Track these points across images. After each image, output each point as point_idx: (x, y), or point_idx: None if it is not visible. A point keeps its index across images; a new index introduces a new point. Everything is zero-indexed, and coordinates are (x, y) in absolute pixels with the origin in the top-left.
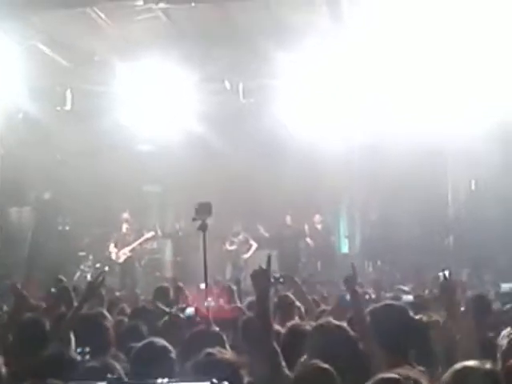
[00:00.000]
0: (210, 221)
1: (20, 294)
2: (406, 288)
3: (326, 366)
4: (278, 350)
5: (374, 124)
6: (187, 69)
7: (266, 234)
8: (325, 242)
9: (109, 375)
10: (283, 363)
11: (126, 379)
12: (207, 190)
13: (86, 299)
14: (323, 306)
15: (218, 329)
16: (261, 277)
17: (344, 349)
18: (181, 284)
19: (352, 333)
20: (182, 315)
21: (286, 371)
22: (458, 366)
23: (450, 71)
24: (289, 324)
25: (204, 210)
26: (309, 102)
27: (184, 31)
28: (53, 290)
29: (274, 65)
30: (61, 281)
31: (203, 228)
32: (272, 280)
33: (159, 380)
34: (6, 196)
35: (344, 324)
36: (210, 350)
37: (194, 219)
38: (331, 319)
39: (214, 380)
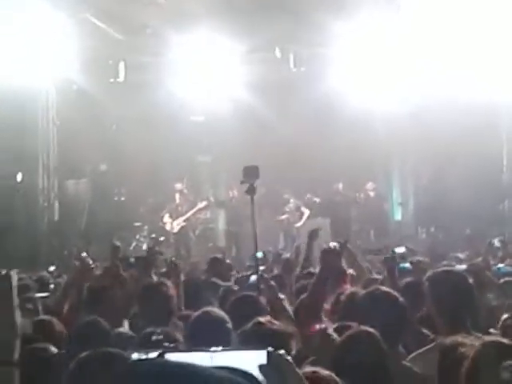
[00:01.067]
0: (258, 185)
1: (85, 263)
2: (460, 255)
3: (371, 330)
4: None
5: (426, 88)
6: (238, 39)
7: (317, 200)
8: (378, 210)
9: (166, 343)
10: (330, 330)
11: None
12: (258, 159)
13: (146, 269)
14: (375, 275)
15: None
16: (332, 257)
17: (393, 316)
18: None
19: (401, 300)
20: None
21: (335, 335)
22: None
23: (502, 30)
24: (340, 291)
25: (251, 173)
26: (361, 70)
27: (233, 0)
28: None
29: (326, 33)
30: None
31: (251, 192)
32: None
33: (213, 348)
34: (64, 168)
35: (393, 292)
36: (259, 319)
37: (241, 182)
38: (380, 286)
39: (270, 348)
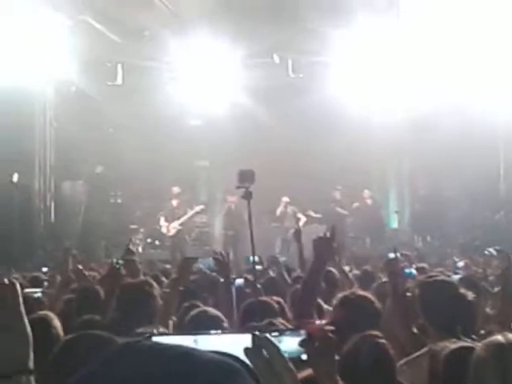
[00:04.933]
0: (255, 191)
1: (80, 274)
2: (459, 263)
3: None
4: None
5: (424, 96)
6: (236, 43)
7: (319, 216)
8: (374, 217)
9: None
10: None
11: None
12: (256, 164)
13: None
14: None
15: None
16: (324, 244)
17: (368, 322)
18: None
19: (378, 305)
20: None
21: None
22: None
23: (501, 42)
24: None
25: (247, 177)
26: (359, 77)
27: (233, 6)
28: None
29: (325, 40)
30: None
31: (247, 196)
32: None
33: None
34: (60, 170)
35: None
36: (271, 319)
37: (237, 187)
38: (357, 290)
39: (256, 332)
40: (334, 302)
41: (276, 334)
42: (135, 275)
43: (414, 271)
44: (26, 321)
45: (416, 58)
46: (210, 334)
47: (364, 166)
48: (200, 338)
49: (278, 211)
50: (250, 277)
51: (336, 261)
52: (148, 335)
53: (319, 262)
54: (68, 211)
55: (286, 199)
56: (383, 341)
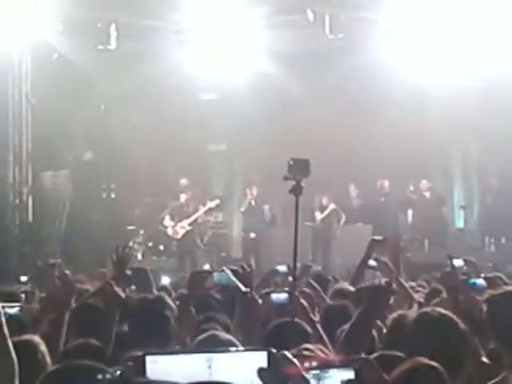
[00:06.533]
0: (284, 182)
1: (66, 282)
2: None
3: (434, 364)
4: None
5: (494, 63)
6: None
7: (358, 202)
8: (434, 215)
9: None
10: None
11: None
12: (282, 149)
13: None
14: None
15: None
16: (382, 297)
17: (451, 345)
18: (253, 265)
19: (462, 326)
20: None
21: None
22: None
23: None
24: (390, 316)
25: (300, 168)
26: (413, 38)
27: None
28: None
29: None
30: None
31: (296, 191)
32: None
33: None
34: (39, 157)
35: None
36: (307, 345)
37: (285, 178)
38: (437, 308)
39: (273, 350)
40: (390, 322)
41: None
42: (145, 288)
43: (482, 282)
44: (11, 345)
45: (487, 14)
46: (223, 351)
47: (421, 149)
48: (213, 356)
49: (317, 207)
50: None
51: (391, 270)
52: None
53: (371, 315)
54: (49, 208)
55: (320, 193)
56: (441, 369)
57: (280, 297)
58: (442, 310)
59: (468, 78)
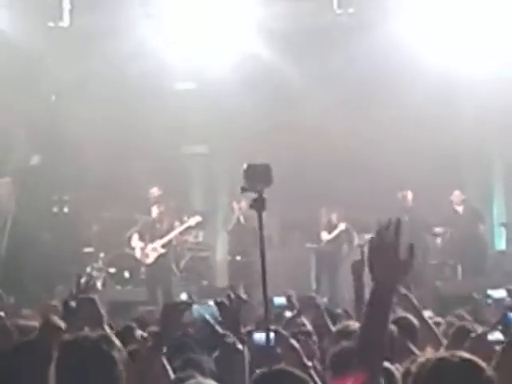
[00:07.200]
0: (278, 194)
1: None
2: None
3: None
4: None
5: None
6: None
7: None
8: (469, 233)
9: None
10: None
11: None
12: (279, 152)
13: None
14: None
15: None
16: (391, 271)
17: None
18: (243, 296)
19: (489, 373)
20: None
21: None
22: None
23: None
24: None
25: (259, 175)
26: (438, 14)
27: None
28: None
29: None
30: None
31: (258, 206)
32: None
33: None
34: None
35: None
36: None
37: (243, 190)
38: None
39: None
40: (414, 368)
41: None
42: (96, 324)
43: None
44: None
45: None
46: None
47: (451, 152)
48: None
49: (323, 225)
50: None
51: (411, 303)
52: None
53: (380, 305)
54: None
55: (325, 207)
56: None
57: (264, 337)
58: (465, 355)
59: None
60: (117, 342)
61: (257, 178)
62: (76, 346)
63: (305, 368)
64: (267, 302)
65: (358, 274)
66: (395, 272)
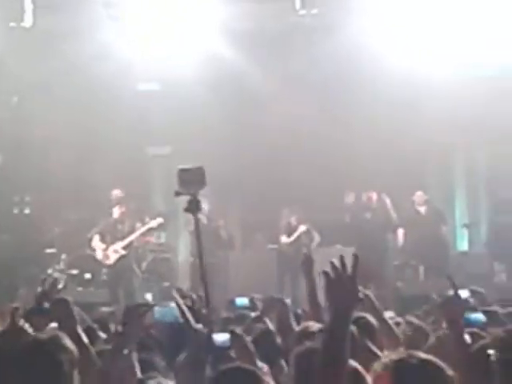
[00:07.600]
0: (241, 194)
1: None
2: None
3: None
4: None
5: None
6: None
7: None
8: (431, 235)
9: None
10: None
11: None
12: (242, 154)
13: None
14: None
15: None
16: (345, 285)
17: None
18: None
19: (450, 373)
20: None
21: None
22: None
23: None
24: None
25: (193, 179)
26: (402, 15)
27: None
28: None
29: None
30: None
31: (192, 208)
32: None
33: None
34: None
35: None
36: None
37: (177, 194)
38: (416, 352)
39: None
40: (375, 367)
41: None
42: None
43: (479, 316)
44: None
45: None
46: None
47: (413, 154)
48: None
49: (283, 228)
50: (238, 330)
51: (371, 303)
52: None
53: (338, 312)
54: None
55: (288, 209)
56: None
57: (221, 338)
58: (424, 355)
59: (475, 66)
60: (68, 344)
61: (190, 181)
62: (24, 348)
63: (258, 368)
64: (209, 302)
65: (308, 270)
66: (352, 299)
